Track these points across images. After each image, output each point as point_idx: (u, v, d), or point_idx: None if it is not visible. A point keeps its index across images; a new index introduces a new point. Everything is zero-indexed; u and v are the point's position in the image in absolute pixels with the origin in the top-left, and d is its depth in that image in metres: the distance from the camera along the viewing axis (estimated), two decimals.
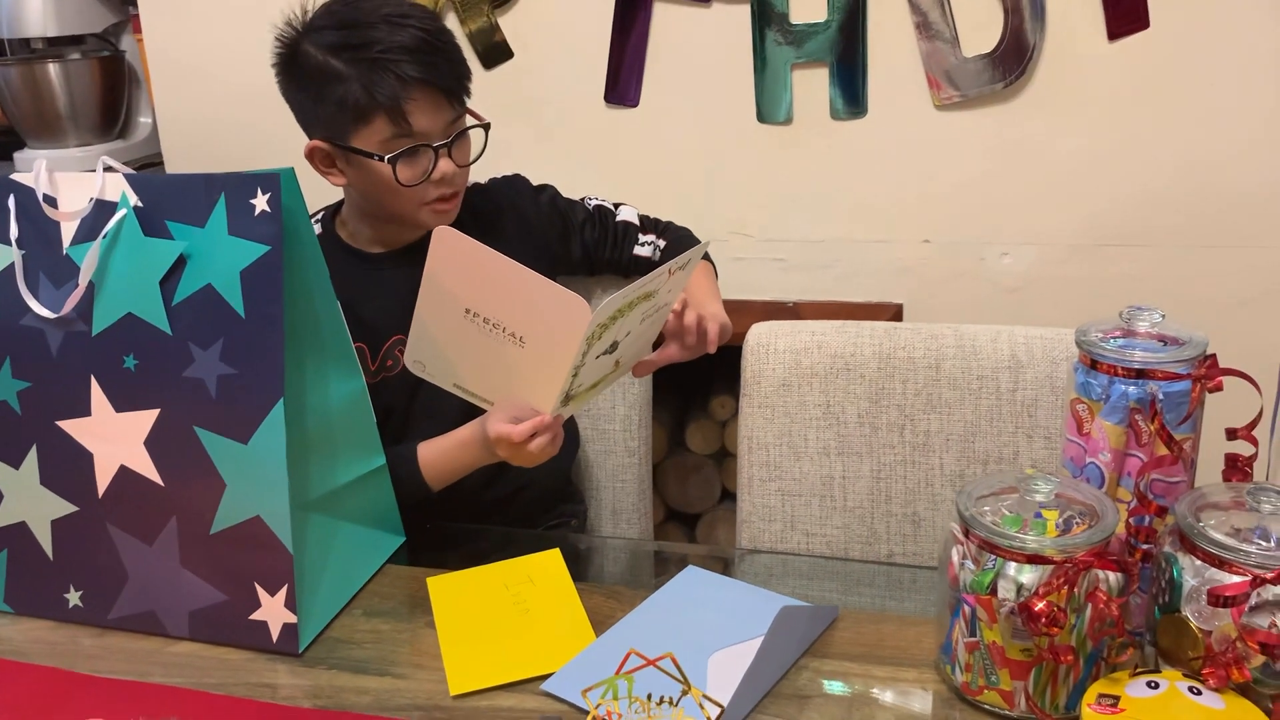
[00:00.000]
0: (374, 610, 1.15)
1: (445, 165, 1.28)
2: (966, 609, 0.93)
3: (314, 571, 1.11)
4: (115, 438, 1.11)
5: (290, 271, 1.05)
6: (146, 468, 1.10)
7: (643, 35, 1.78)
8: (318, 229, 1.38)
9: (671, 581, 1.15)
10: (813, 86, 1.74)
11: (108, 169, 1.10)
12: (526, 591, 1.15)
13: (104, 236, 1.08)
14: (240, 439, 1.06)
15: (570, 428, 1.56)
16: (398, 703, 1.00)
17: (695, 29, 1.76)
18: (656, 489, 2.12)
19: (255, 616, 1.09)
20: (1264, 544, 0.87)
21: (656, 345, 1.29)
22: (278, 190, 1.03)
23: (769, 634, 1.00)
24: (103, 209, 1.09)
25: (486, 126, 1.33)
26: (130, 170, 1.10)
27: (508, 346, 1.10)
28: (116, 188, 1.09)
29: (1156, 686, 0.86)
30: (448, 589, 1.17)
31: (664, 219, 1.56)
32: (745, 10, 1.72)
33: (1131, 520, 0.96)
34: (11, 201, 1.12)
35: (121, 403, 1.10)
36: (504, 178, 1.51)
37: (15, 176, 1.12)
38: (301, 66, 1.27)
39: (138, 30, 2.31)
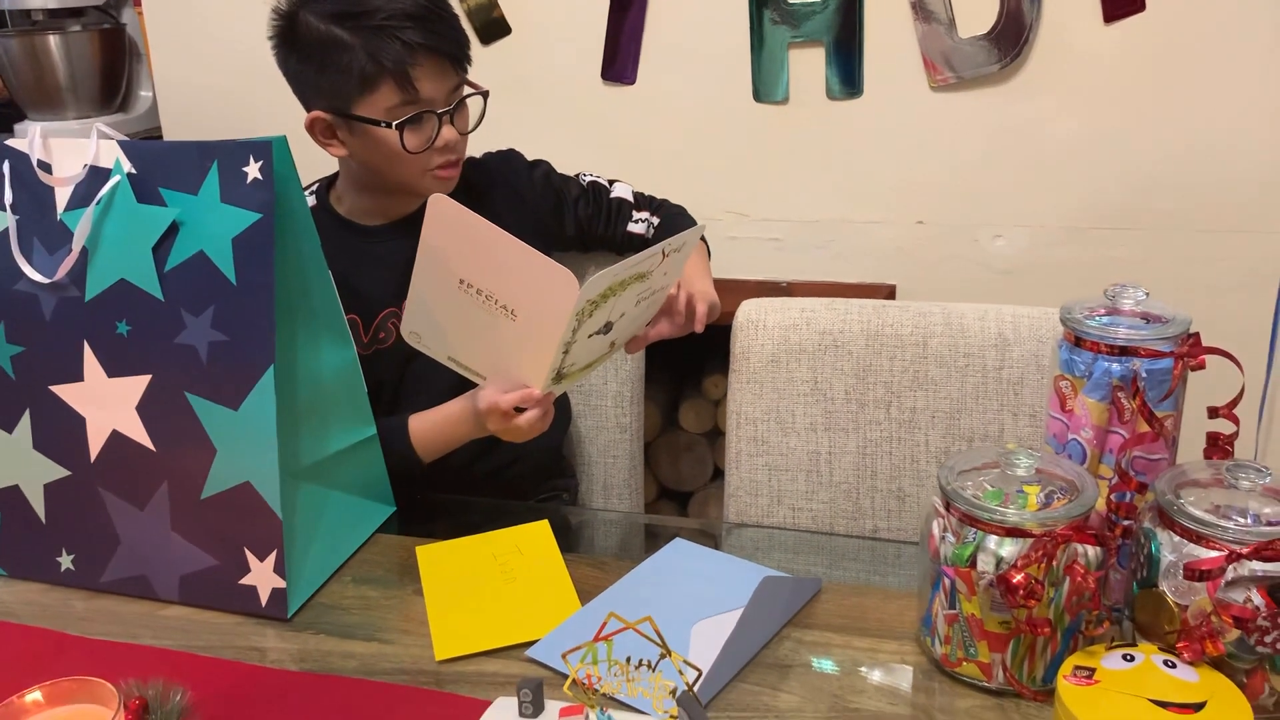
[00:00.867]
0: (363, 577, 1.16)
1: (449, 132, 1.29)
2: (946, 582, 0.94)
3: (304, 538, 1.12)
4: (107, 403, 1.12)
5: (282, 239, 1.06)
6: (138, 433, 1.11)
7: (640, 13, 1.79)
8: (311, 201, 1.39)
9: (658, 553, 1.16)
10: (809, 66, 1.75)
11: (102, 135, 1.10)
12: (514, 561, 1.16)
13: (97, 203, 1.09)
14: (231, 405, 1.07)
15: (562, 402, 1.57)
16: (383, 667, 1.01)
17: (693, 7, 1.76)
18: (649, 467, 2.14)
19: (245, 581, 1.10)
20: (1240, 520, 0.88)
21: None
22: (270, 158, 1.04)
23: (751, 603, 1.01)
24: (96, 175, 1.10)
25: (485, 94, 1.34)
26: (124, 137, 1.11)
27: (500, 319, 1.11)
28: (110, 154, 1.10)
29: (1132, 659, 0.87)
30: (436, 558, 1.18)
31: (659, 197, 1.56)
32: None
33: (1112, 496, 0.96)
34: (6, 167, 1.13)
35: (114, 368, 1.11)
36: (498, 152, 1.52)
37: (10, 142, 1.13)
38: (301, 37, 1.27)
39: (138, 3, 2.31)
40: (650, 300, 1.19)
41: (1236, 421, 0.99)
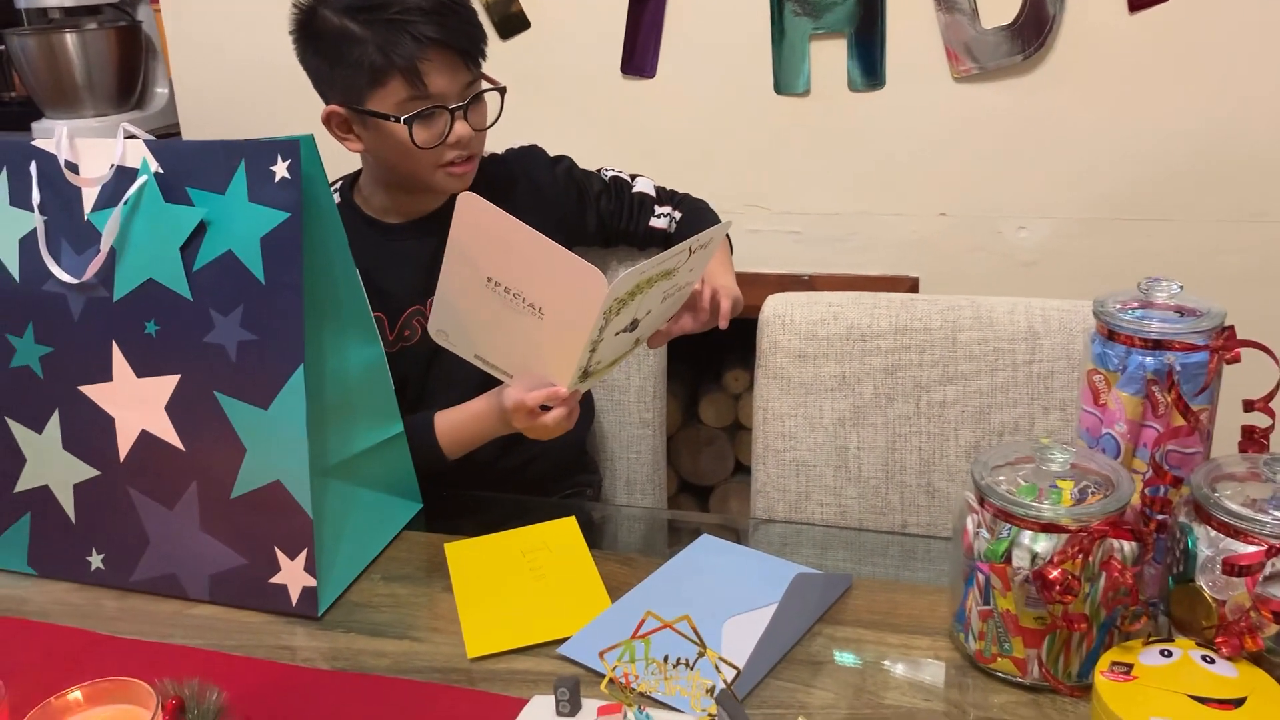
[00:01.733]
0: (392, 575, 1.16)
1: (461, 128, 1.28)
2: (980, 577, 0.93)
3: (333, 536, 1.12)
4: (136, 403, 1.12)
5: (310, 238, 1.06)
6: (167, 433, 1.11)
7: (660, 6, 1.78)
8: (336, 199, 1.38)
9: (686, 550, 1.16)
10: (831, 58, 1.74)
11: (129, 136, 1.10)
12: (542, 558, 1.16)
13: (125, 203, 1.09)
14: (260, 404, 1.07)
15: (586, 399, 1.56)
16: (415, 665, 1.01)
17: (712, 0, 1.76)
18: (670, 461, 2.13)
19: (275, 580, 1.10)
20: (1278, 514, 0.87)
21: None
22: (297, 157, 1.04)
23: (783, 600, 1.01)
24: (124, 175, 1.10)
25: (502, 90, 1.33)
26: (151, 137, 1.11)
27: (527, 318, 1.10)
28: (137, 154, 1.10)
29: (1170, 655, 0.87)
30: (465, 555, 1.18)
31: (680, 191, 1.56)
32: None
33: (1146, 491, 0.96)
34: (33, 167, 1.13)
35: (143, 368, 1.11)
36: (520, 148, 1.51)
37: (37, 143, 1.13)
38: (319, 31, 1.27)
39: (155, 1, 2.31)
40: (675, 296, 1.18)
41: (1272, 415, 0.98)
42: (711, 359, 2.22)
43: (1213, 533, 0.89)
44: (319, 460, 1.09)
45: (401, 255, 1.37)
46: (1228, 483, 0.92)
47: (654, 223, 1.50)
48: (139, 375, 1.11)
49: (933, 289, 1.79)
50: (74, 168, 1.12)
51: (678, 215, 1.51)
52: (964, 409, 1.38)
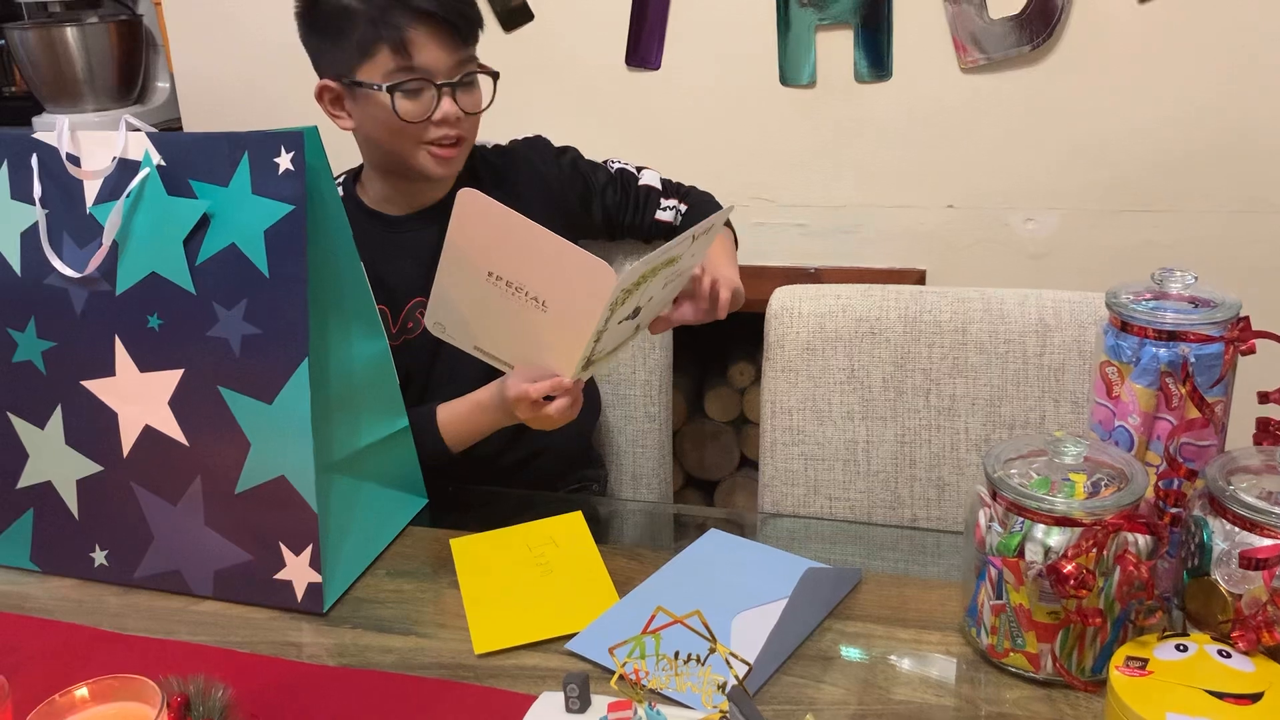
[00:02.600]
0: (397, 570, 1.15)
1: (448, 105, 1.27)
2: (993, 571, 0.92)
3: (338, 531, 1.11)
4: (140, 397, 1.11)
5: (314, 231, 1.05)
6: (171, 427, 1.10)
7: None
8: (339, 192, 1.38)
9: (694, 544, 1.15)
10: (837, 49, 1.73)
11: (131, 128, 1.09)
12: (549, 553, 1.15)
13: (127, 195, 1.08)
14: (265, 399, 1.06)
15: (591, 393, 1.56)
16: (422, 661, 1.00)
17: None
18: (675, 456, 2.12)
19: (280, 576, 1.09)
20: None
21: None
22: (301, 149, 1.03)
23: (793, 595, 1.00)
24: (126, 168, 1.09)
25: (495, 76, 1.32)
26: (153, 129, 1.09)
27: (529, 310, 1.09)
28: (139, 147, 1.09)
29: (1185, 649, 0.86)
30: (471, 550, 1.17)
31: (686, 183, 1.55)
32: None
33: (1160, 484, 0.95)
34: (34, 160, 1.12)
35: (146, 362, 1.10)
36: (525, 139, 1.50)
37: (38, 135, 1.12)
38: (320, 8, 1.28)
39: None
40: (676, 282, 1.17)
41: None
42: (717, 353, 2.21)
43: (1228, 526, 0.88)
44: (324, 455, 1.08)
45: (404, 247, 1.36)
46: (1243, 475, 0.91)
47: (660, 215, 1.49)
48: (142, 370, 1.10)
49: (940, 281, 1.78)
50: (76, 160, 1.11)
51: (683, 208, 1.50)
52: (974, 402, 1.37)
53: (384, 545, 1.19)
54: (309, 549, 1.08)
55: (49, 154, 1.12)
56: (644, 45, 1.80)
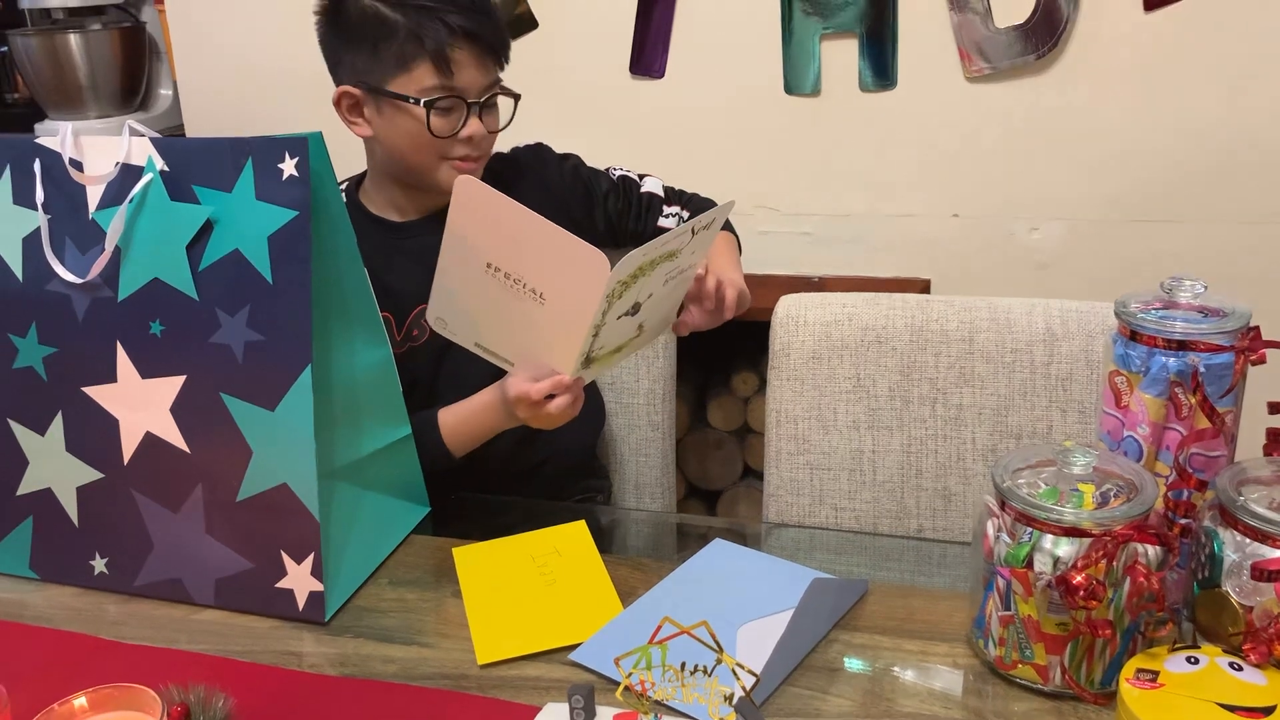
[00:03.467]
0: (400, 580, 1.15)
1: (475, 125, 1.28)
2: (1001, 582, 0.91)
3: (340, 540, 1.10)
4: (141, 404, 1.10)
5: (318, 237, 1.04)
6: (172, 434, 1.10)
7: (669, 6, 1.77)
8: (342, 198, 1.37)
9: (698, 554, 1.14)
10: (841, 58, 1.73)
11: (134, 133, 1.09)
12: (553, 562, 1.15)
13: (130, 201, 1.07)
14: (267, 406, 1.06)
15: (595, 402, 1.55)
16: (424, 671, 0.99)
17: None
18: (678, 465, 2.12)
19: (281, 584, 1.08)
20: None
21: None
22: (305, 154, 1.02)
23: (800, 606, 0.99)
24: (129, 173, 1.08)
25: (516, 97, 1.33)
26: (156, 134, 1.09)
27: (528, 303, 1.09)
28: (143, 152, 1.08)
29: (1196, 662, 0.85)
30: (474, 559, 1.16)
31: (689, 191, 1.54)
32: None
33: (1170, 495, 0.94)
34: (37, 165, 1.11)
35: (148, 369, 1.10)
36: (528, 146, 1.50)
37: (41, 140, 1.12)
38: (347, 12, 1.27)
39: (159, 1, 2.30)
40: (678, 280, 1.16)
41: None
42: (720, 362, 2.20)
43: (1239, 537, 0.87)
44: (326, 463, 1.08)
45: (407, 254, 1.36)
46: (1254, 486, 0.90)
47: (662, 222, 1.49)
48: (144, 376, 1.10)
49: (945, 291, 1.78)
50: (78, 166, 1.10)
51: (686, 215, 1.50)
52: (981, 411, 1.36)
53: (386, 554, 1.19)
54: (310, 557, 1.07)
55: (52, 159, 1.11)
56: (648, 54, 1.80)
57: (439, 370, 1.38)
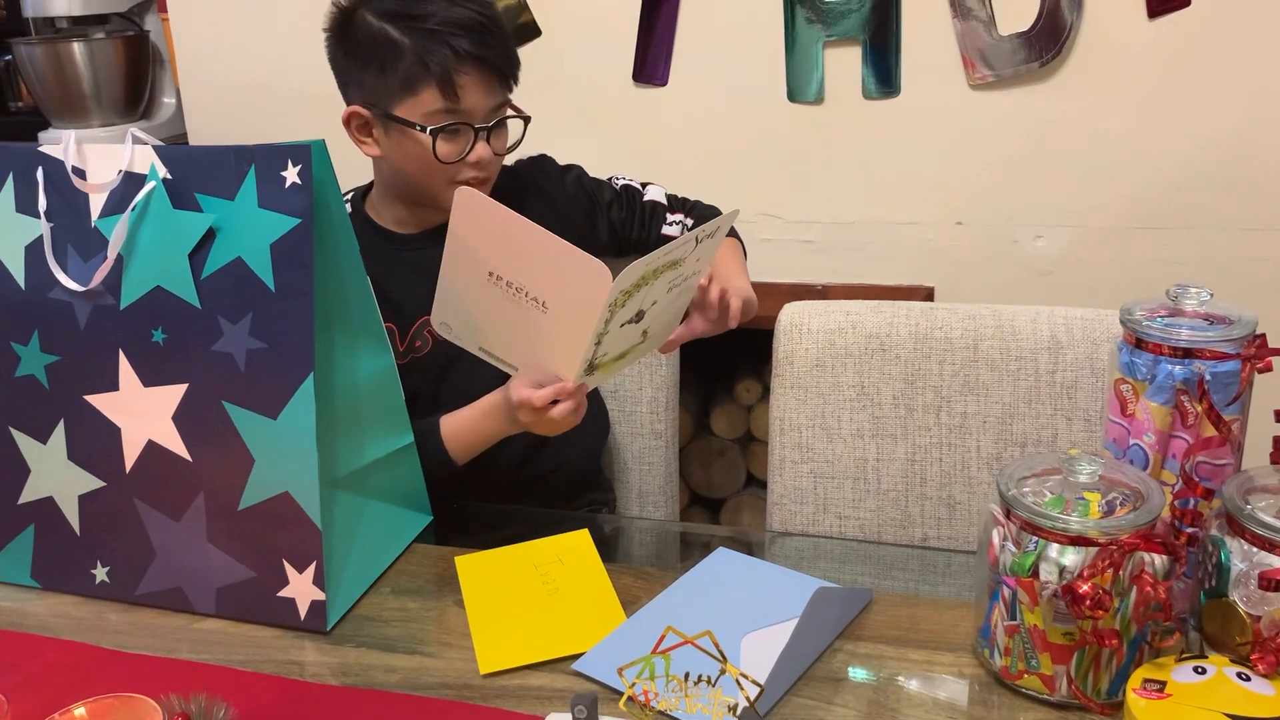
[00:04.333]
0: (402, 589, 1.14)
1: (483, 149, 1.28)
2: (1006, 592, 0.91)
3: (342, 549, 1.10)
4: (143, 412, 1.10)
5: (321, 245, 1.04)
6: (174, 443, 1.09)
7: (672, 13, 1.77)
8: (347, 209, 1.37)
9: (702, 563, 1.14)
10: (845, 65, 1.73)
11: (137, 141, 1.08)
12: (556, 571, 1.14)
13: (133, 209, 1.07)
14: (269, 414, 1.05)
15: (599, 411, 1.55)
16: (427, 681, 0.99)
17: (725, 7, 1.74)
18: (681, 473, 2.11)
19: (283, 593, 1.08)
20: None
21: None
22: (308, 162, 1.02)
23: (804, 615, 0.99)
24: (131, 181, 1.08)
25: (527, 120, 1.32)
26: (159, 142, 1.09)
27: (531, 311, 1.09)
28: (145, 160, 1.08)
29: (1204, 672, 0.84)
30: (476, 568, 1.16)
31: (692, 198, 1.54)
32: None
33: (1176, 503, 0.94)
34: (40, 173, 1.11)
35: (150, 377, 1.09)
36: (530, 158, 1.50)
37: (44, 148, 1.11)
38: (355, 32, 1.27)
39: (162, 10, 2.30)
40: (682, 288, 1.16)
41: None
42: (723, 369, 2.20)
43: (1246, 546, 0.87)
44: (328, 471, 1.07)
45: (412, 265, 1.36)
46: (1261, 495, 0.90)
47: (666, 230, 1.49)
48: (146, 384, 1.10)
49: (948, 299, 1.78)
50: (81, 174, 1.10)
51: (689, 223, 1.49)
52: (985, 420, 1.36)
53: (388, 563, 1.18)
54: (312, 566, 1.07)
55: (55, 167, 1.11)
56: (651, 61, 1.80)
57: (441, 382, 1.37)
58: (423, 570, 1.18)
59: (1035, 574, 0.88)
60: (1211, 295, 0.98)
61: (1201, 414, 0.93)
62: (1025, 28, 1.64)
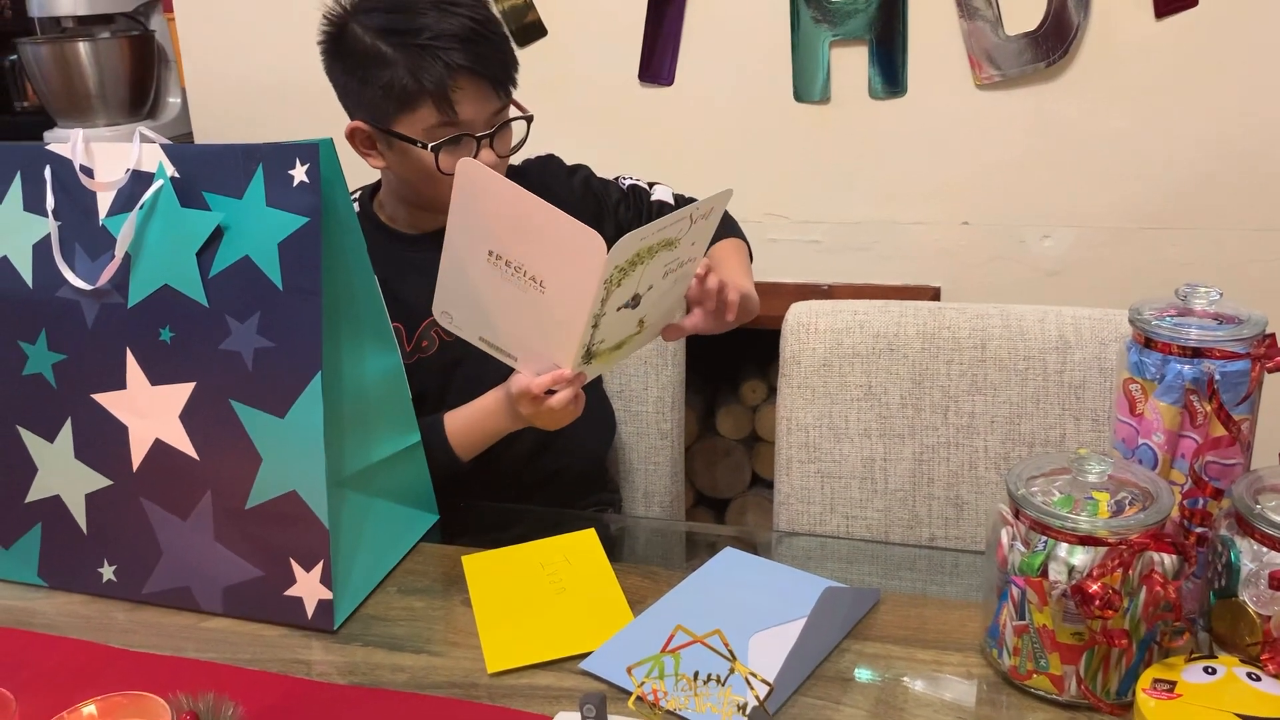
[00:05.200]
0: (409, 588, 1.14)
1: (487, 155, 1.27)
2: (1015, 591, 0.91)
3: (349, 548, 1.10)
4: (150, 411, 1.10)
5: (328, 243, 1.04)
6: (181, 441, 1.09)
7: (678, 13, 1.77)
8: (355, 209, 1.37)
9: (709, 563, 1.14)
10: (851, 65, 1.72)
11: (145, 139, 1.08)
12: (563, 571, 1.14)
13: (140, 207, 1.07)
14: (277, 413, 1.05)
15: (605, 411, 1.55)
16: (434, 680, 0.99)
17: (731, 7, 1.74)
18: (686, 474, 2.11)
19: (290, 592, 1.08)
20: None
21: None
22: (316, 161, 1.02)
23: (812, 614, 0.98)
24: (139, 180, 1.08)
25: (529, 119, 1.32)
26: (167, 141, 1.09)
27: (530, 293, 1.08)
28: (153, 158, 1.08)
29: (1214, 672, 0.84)
30: (483, 567, 1.16)
31: (699, 198, 1.54)
32: None
33: (1185, 503, 0.93)
34: (48, 172, 1.11)
35: (157, 375, 1.09)
36: (537, 158, 1.50)
37: (52, 147, 1.11)
38: (348, 47, 1.26)
39: (168, 9, 2.31)
40: (678, 274, 1.15)
41: None
42: (729, 370, 2.20)
43: (1256, 546, 0.86)
44: (336, 470, 1.07)
45: (420, 265, 1.35)
46: (1270, 494, 0.89)
47: None
48: (153, 383, 1.09)
49: (955, 298, 1.77)
50: (89, 172, 1.10)
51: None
52: (993, 419, 1.35)
53: (395, 562, 1.18)
54: (320, 565, 1.06)
55: (62, 166, 1.11)
56: (657, 61, 1.80)
57: (448, 383, 1.37)
58: (430, 570, 1.18)
59: (1044, 574, 0.88)
60: (1221, 295, 0.97)
61: (1211, 413, 0.93)
62: (1032, 27, 1.64)
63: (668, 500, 1.63)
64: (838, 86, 1.73)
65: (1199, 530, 0.92)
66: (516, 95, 1.32)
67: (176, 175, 1.07)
